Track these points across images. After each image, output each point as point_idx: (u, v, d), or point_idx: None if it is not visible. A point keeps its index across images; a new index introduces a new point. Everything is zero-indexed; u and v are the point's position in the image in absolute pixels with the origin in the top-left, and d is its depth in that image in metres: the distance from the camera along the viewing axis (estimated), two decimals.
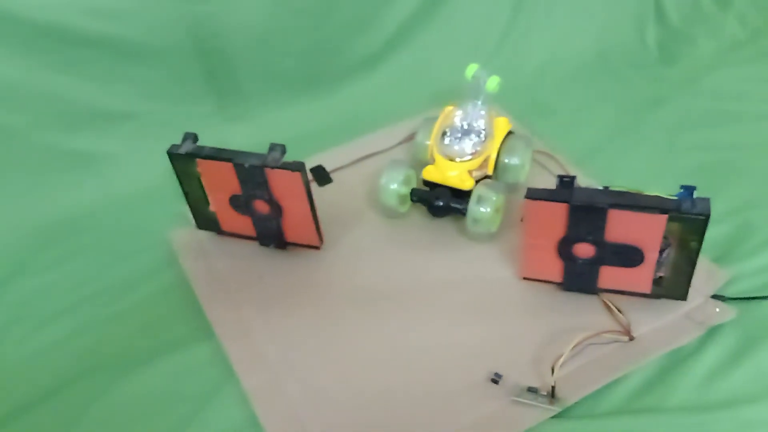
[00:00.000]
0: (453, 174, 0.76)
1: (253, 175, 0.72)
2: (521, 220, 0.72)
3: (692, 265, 0.63)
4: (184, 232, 0.83)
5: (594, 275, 0.67)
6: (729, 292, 0.68)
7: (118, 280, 0.79)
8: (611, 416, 0.59)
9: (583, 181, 0.65)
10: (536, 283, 0.71)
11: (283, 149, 0.72)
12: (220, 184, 0.75)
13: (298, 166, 0.70)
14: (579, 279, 0.68)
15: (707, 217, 0.58)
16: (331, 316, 0.71)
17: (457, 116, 0.80)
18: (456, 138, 0.78)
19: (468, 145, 0.77)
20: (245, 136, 0.96)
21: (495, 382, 0.62)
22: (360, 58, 1.03)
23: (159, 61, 0.91)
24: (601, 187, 0.63)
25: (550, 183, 0.65)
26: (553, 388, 0.60)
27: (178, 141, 0.75)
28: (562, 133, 0.91)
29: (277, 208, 0.75)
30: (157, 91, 0.94)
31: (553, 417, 0.59)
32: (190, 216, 0.81)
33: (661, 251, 0.70)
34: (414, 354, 0.66)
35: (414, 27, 1.05)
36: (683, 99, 0.95)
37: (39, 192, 0.90)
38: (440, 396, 0.62)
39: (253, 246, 0.80)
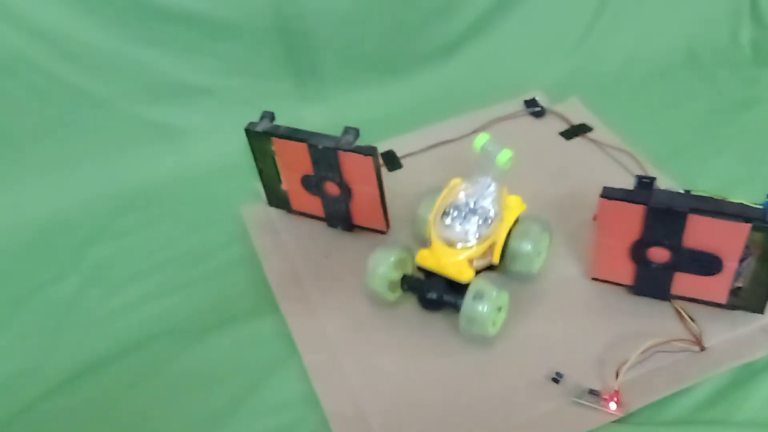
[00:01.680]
0: (450, 262, 0.65)
1: (326, 156, 0.73)
2: (593, 219, 0.70)
3: None
4: (256, 208, 0.85)
5: (667, 281, 0.65)
6: None
7: (191, 250, 0.82)
8: (674, 426, 0.57)
9: (663, 183, 0.63)
10: (606, 285, 0.69)
11: (356, 133, 0.73)
12: (293, 163, 0.76)
13: (370, 151, 0.71)
14: (651, 284, 0.66)
15: None
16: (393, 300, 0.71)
17: (462, 192, 0.68)
18: (459, 218, 0.66)
19: (472, 227, 0.66)
20: (320, 116, 0.97)
21: (556, 381, 0.61)
22: (438, 45, 1.02)
23: (242, 38, 0.93)
24: (681, 191, 0.61)
25: (627, 183, 0.62)
26: (616, 392, 0.59)
27: (255, 118, 0.77)
28: (645, 132, 0.88)
29: (346, 191, 0.76)
30: (238, 68, 0.96)
31: (612, 422, 0.58)
32: (263, 193, 0.83)
33: (741, 261, 0.67)
34: (476, 345, 0.66)
35: (496, 15, 1.03)
36: None
37: (121, 160, 0.94)
38: (499, 390, 0.62)
39: (321, 226, 0.81)
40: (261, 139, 0.76)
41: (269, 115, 0.77)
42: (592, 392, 0.59)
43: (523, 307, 0.69)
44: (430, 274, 0.68)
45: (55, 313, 0.76)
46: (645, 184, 0.60)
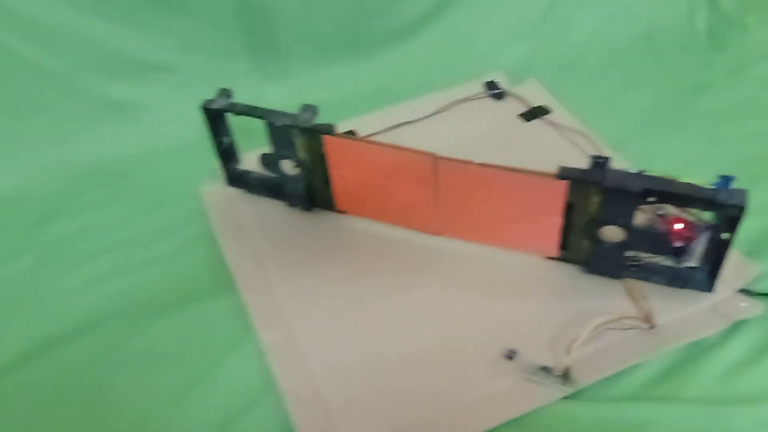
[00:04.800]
0: None
1: (283, 134, 0.72)
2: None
3: (722, 257, 0.61)
4: (215, 188, 0.83)
5: (620, 259, 0.65)
6: (758, 288, 0.65)
7: (149, 229, 0.80)
8: (624, 402, 0.57)
9: (619, 164, 0.63)
10: (560, 264, 0.69)
11: (314, 110, 0.71)
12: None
13: (328, 129, 0.70)
14: (604, 262, 0.66)
15: (743, 208, 0.55)
16: (351, 279, 0.70)
17: None
18: None
19: None
20: (281, 95, 0.95)
21: (509, 358, 0.61)
22: (400, 25, 1.01)
23: (201, 13, 0.91)
24: (635, 171, 0.61)
25: (584, 164, 0.62)
26: (567, 369, 0.59)
27: (213, 96, 0.75)
28: (601, 114, 0.88)
29: (306, 170, 0.74)
30: (198, 45, 0.94)
31: (564, 398, 0.58)
32: (221, 172, 0.82)
33: (692, 240, 0.68)
34: (431, 323, 0.65)
35: None
36: (730, 87, 0.91)
37: (79, 137, 0.91)
38: (454, 367, 0.62)
39: (280, 205, 0.80)
40: (218, 116, 0.75)
41: (226, 92, 0.75)
42: (545, 369, 0.60)
43: (477, 286, 0.68)
44: None
45: (9, 290, 0.74)
46: (599, 164, 0.60)
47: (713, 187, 0.57)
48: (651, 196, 0.58)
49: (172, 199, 0.83)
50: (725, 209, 0.56)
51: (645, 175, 0.59)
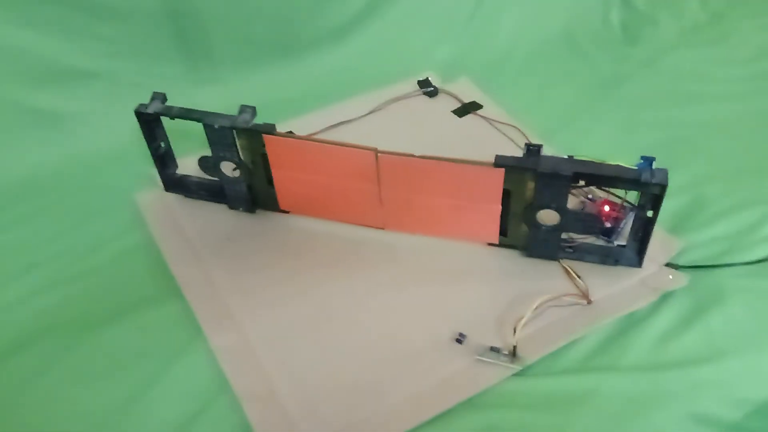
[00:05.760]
0: None
1: (222, 136, 0.72)
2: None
3: (648, 233, 0.65)
4: (152, 194, 0.82)
5: (556, 242, 0.69)
6: (682, 261, 0.70)
7: (83, 241, 0.78)
8: (568, 374, 0.61)
9: (547, 152, 0.67)
10: (500, 250, 0.73)
11: (253, 111, 0.72)
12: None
13: (268, 128, 0.70)
14: (542, 246, 0.70)
15: (665, 186, 0.60)
16: (299, 277, 0.71)
17: None
18: None
19: None
20: (214, 99, 0.94)
21: (459, 342, 0.64)
22: (331, 28, 1.02)
23: (128, 19, 0.89)
24: (566, 156, 0.65)
25: (517, 154, 0.65)
26: (514, 347, 0.62)
27: (146, 101, 0.74)
28: (528, 108, 0.92)
29: (246, 171, 0.75)
30: (127, 51, 0.92)
31: (514, 375, 0.61)
32: (158, 178, 0.81)
33: (620, 221, 0.73)
34: (380, 314, 0.67)
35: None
36: (644, 78, 0.97)
37: (3, 148, 0.87)
38: (406, 355, 0.63)
39: (222, 209, 0.80)
40: (153, 121, 0.74)
41: (160, 96, 0.75)
42: (494, 349, 0.62)
43: (423, 275, 0.71)
44: None
45: None
46: (533, 151, 0.63)
47: (637, 167, 0.61)
48: (581, 179, 0.62)
49: (106, 209, 0.81)
50: (649, 187, 0.61)
51: (575, 160, 0.62)
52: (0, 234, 0.79)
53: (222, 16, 0.94)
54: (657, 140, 0.85)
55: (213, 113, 0.72)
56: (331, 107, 0.94)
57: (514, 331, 0.62)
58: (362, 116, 0.92)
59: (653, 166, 0.61)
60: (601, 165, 0.62)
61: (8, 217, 0.81)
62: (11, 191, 0.84)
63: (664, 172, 0.61)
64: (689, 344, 0.62)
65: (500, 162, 0.64)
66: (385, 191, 0.71)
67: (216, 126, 0.71)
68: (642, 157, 0.62)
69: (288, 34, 1.00)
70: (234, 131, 0.71)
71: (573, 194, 0.76)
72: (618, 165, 0.61)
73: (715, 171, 0.80)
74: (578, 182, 0.63)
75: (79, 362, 0.65)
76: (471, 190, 0.67)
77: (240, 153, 0.73)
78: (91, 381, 0.63)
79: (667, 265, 0.70)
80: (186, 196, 0.81)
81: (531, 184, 0.65)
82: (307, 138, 0.71)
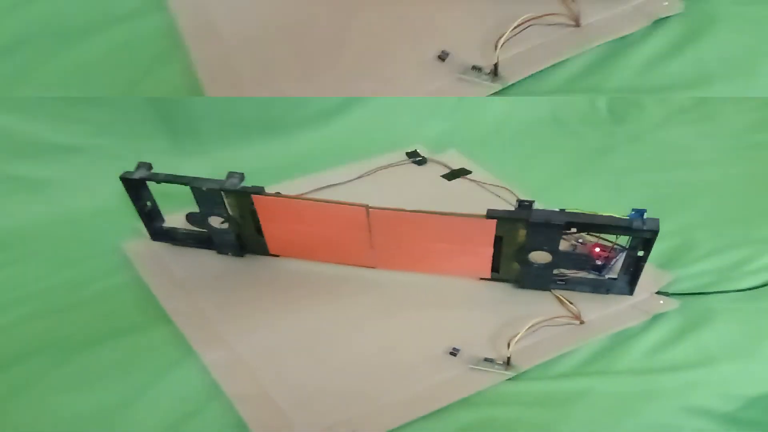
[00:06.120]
0: None
1: (211, 197, 0.84)
2: None
3: (639, 268, 0.78)
4: (138, 243, 0.94)
5: (548, 276, 0.82)
6: (672, 290, 0.82)
7: (72, 279, 0.89)
8: (562, 378, 0.71)
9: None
10: (492, 283, 0.85)
11: (241, 177, 0.85)
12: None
13: (257, 190, 0.84)
14: (534, 279, 0.82)
15: (656, 232, 0.74)
16: (289, 305, 0.83)
17: None
18: None
19: None
20: (201, 170, 1.09)
21: (453, 354, 0.74)
22: (319, 108, 1.20)
23: (114, 104, 1.06)
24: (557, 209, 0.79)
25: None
26: (508, 358, 0.72)
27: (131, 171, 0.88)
28: (516, 174, 1.08)
29: (235, 224, 0.87)
30: (110, 130, 1.08)
31: (507, 380, 0.71)
32: (144, 230, 0.93)
33: (610, 259, 0.86)
34: (372, 334, 0.78)
35: None
36: (631, 149, 1.14)
37: None
38: (398, 366, 0.73)
39: (211, 253, 0.92)
40: (139, 186, 0.88)
41: (146, 165, 0.88)
42: (487, 360, 0.73)
43: (416, 304, 0.82)
44: None
45: None
46: (525, 206, 0.78)
47: (629, 218, 0.75)
48: (574, 227, 0.76)
49: (93, 254, 0.93)
50: (641, 233, 0.75)
51: (567, 212, 0.77)
52: None
53: (206, 99, 1.11)
54: (645, 197, 0.99)
55: (200, 178, 0.85)
56: (319, 174, 1.09)
57: (509, 346, 0.73)
58: (350, 180, 1.08)
59: (645, 217, 0.75)
60: (593, 216, 0.76)
61: None
62: None
63: (656, 221, 0.75)
64: (681, 352, 0.73)
65: (492, 215, 0.77)
66: (377, 241, 0.84)
67: (204, 188, 0.84)
68: (633, 210, 0.76)
69: (275, 115, 1.17)
70: (222, 192, 0.84)
71: (564, 239, 0.90)
72: (611, 216, 0.75)
73: (703, 220, 0.95)
74: (570, 230, 0.77)
75: (70, 374, 0.74)
76: (463, 238, 0.80)
77: (228, 209, 0.86)
78: (81, 389, 0.72)
79: (658, 293, 0.82)
80: (173, 244, 0.94)
81: (523, 232, 0.78)
82: (298, 197, 0.84)
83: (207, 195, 0.85)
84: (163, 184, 0.88)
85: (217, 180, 0.85)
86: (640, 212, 0.76)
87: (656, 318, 0.78)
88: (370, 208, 0.80)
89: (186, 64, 0.81)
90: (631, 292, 0.81)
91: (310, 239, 0.87)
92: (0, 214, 1.01)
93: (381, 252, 0.86)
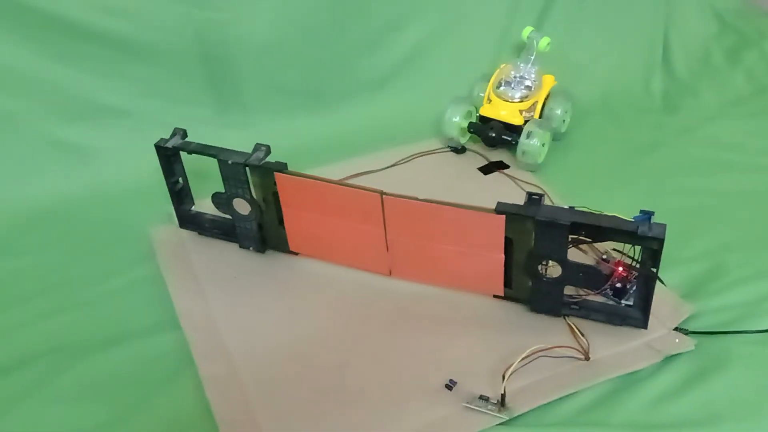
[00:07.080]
0: (505, 112, 1.04)
1: (235, 173, 0.83)
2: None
3: (650, 291, 0.73)
4: (166, 230, 0.94)
5: (559, 296, 0.78)
6: (693, 326, 0.77)
7: (91, 271, 0.90)
8: (558, 427, 0.68)
9: None
10: (505, 303, 0.81)
11: (267, 150, 0.84)
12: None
13: (280, 166, 0.82)
14: (546, 299, 0.78)
15: (662, 240, 0.68)
16: (296, 316, 0.81)
17: (512, 70, 1.07)
18: (509, 85, 1.06)
19: (519, 90, 1.05)
20: (241, 143, 1.07)
21: (449, 388, 0.72)
22: (364, 81, 1.16)
23: (161, 61, 1.04)
24: (566, 207, 0.74)
25: None
26: (503, 396, 0.69)
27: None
28: (555, 171, 1.02)
29: (257, 209, 0.86)
30: (157, 91, 1.07)
31: (501, 424, 0.68)
32: (174, 215, 0.93)
33: (629, 282, 0.81)
34: (372, 358, 0.76)
35: (422, 54, 1.18)
36: (679, 146, 1.06)
37: (27, 178, 1.02)
38: (393, 396, 0.72)
39: (233, 247, 0.91)
40: (172, 155, 0.87)
41: (180, 132, 0.87)
42: (482, 397, 0.70)
43: (423, 322, 0.80)
44: (488, 121, 1.06)
45: None
46: (534, 200, 0.73)
47: (635, 220, 0.70)
48: (579, 229, 0.71)
49: (119, 241, 0.94)
50: (646, 241, 0.69)
51: (574, 210, 0.72)
52: (14, 259, 0.92)
53: (255, 63, 1.08)
54: (680, 207, 0.92)
55: (228, 150, 0.84)
56: (356, 158, 1.06)
57: (503, 379, 0.70)
58: (385, 168, 1.04)
59: (652, 221, 0.70)
60: (599, 216, 0.71)
61: (25, 244, 0.95)
62: (30, 219, 0.98)
63: (662, 227, 0.69)
64: (686, 407, 0.68)
65: (500, 208, 0.73)
66: (391, 235, 0.81)
67: (230, 162, 0.83)
68: (641, 211, 0.70)
69: (319, 85, 1.14)
70: (247, 168, 0.83)
71: (584, 252, 0.85)
72: (615, 216, 0.70)
73: (736, 240, 0.88)
74: (578, 233, 0.72)
75: (67, 385, 0.75)
76: (474, 235, 0.77)
77: (252, 190, 0.85)
78: (80, 403, 0.73)
79: (676, 329, 0.77)
80: (200, 233, 0.93)
81: (531, 232, 0.74)
82: (317, 177, 0.82)
83: (232, 170, 0.83)
84: (198, 162, 0.87)
85: (243, 153, 0.84)
86: (648, 214, 0.71)
87: (668, 360, 0.74)
88: (384, 194, 0.78)
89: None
90: (645, 324, 0.76)
91: (327, 232, 0.85)
92: (43, 183, 1.03)
93: (395, 253, 0.83)
